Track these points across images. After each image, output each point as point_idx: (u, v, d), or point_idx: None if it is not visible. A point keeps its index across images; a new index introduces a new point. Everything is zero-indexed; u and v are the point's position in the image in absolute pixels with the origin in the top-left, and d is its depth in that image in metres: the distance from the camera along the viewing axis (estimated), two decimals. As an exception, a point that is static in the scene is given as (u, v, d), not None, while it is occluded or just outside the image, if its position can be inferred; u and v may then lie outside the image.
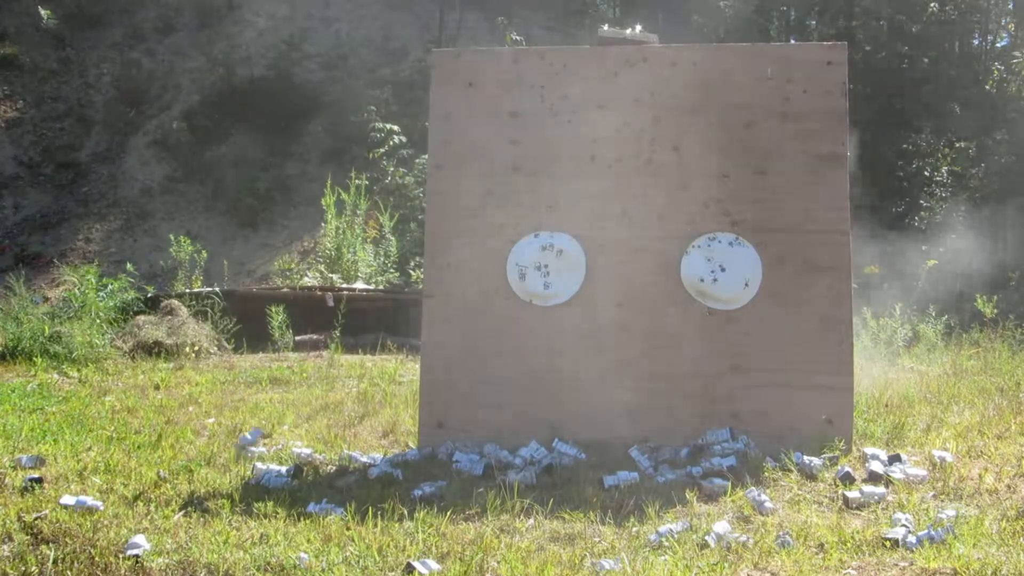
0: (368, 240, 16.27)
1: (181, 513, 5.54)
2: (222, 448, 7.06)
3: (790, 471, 6.08)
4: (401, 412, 7.99)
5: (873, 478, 5.98)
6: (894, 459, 6.23)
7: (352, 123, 20.25)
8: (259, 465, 6.46)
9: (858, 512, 5.52)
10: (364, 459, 6.72)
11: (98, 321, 11.94)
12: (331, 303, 13.45)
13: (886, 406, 7.90)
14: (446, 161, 7.14)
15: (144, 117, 21.27)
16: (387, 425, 7.75)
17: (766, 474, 6.06)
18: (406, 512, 5.48)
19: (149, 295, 13.63)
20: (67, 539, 5.01)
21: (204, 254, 15.61)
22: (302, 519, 5.44)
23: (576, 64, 7.13)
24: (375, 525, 5.29)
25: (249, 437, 7.18)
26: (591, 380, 6.85)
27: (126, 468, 6.43)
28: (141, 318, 12.60)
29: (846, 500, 5.64)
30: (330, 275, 15.46)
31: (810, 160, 6.86)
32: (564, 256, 6.93)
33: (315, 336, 12.82)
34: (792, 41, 18.00)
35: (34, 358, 10.80)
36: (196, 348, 11.93)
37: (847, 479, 5.94)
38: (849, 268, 6.84)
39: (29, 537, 5.08)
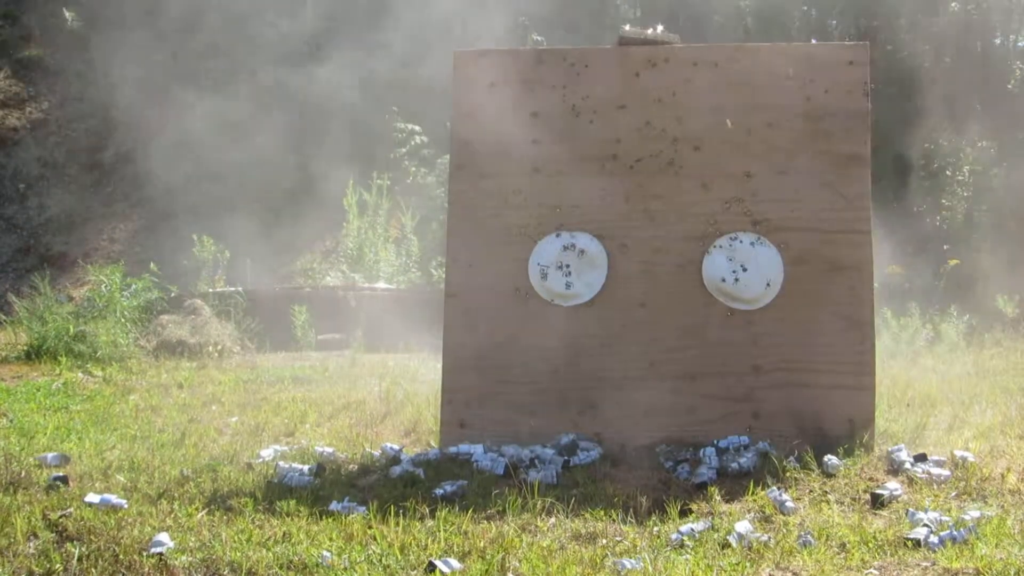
0: (390, 240, 16.30)
1: (204, 511, 5.57)
2: (245, 447, 7.10)
3: (812, 471, 6.08)
4: (423, 411, 8.01)
5: (895, 477, 5.98)
6: (919, 459, 6.22)
7: (374, 123, 20.27)
8: (282, 464, 6.49)
9: (880, 512, 5.52)
10: (392, 446, 6.80)
11: (122, 320, 12.01)
12: (353, 303, 13.49)
13: (908, 406, 7.88)
14: (468, 161, 7.16)
15: (167, 118, 21.35)
16: (409, 424, 7.78)
17: (788, 474, 6.06)
18: (428, 511, 5.50)
19: (172, 294, 13.69)
20: (92, 537, 5.05)
21: (227, 254, 15.66)
22: (324, 518, 5.46)
23: (598, 64, 7.14)
24: (397, 524, 5.31)
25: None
26: (613, 380, 6.86)
27: (150, 466, 6.48)
28: (164, 317, 12.66)
29: (868, 500, 5.64)
30: (352, 275, 15.49)
31: (832, 160, 6.86)
32: (586, 256, 6.94)
33: (337, 335, 12.87)
34: (813, 41, 17.94)
35: (59, 357, 10.87)
36: (219, 347, 11.99)
37: (869, 479, 5.94)
38: (871, 268, 6.84)
39: (54, 535, 5.12)
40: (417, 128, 19.34)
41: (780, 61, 6.99)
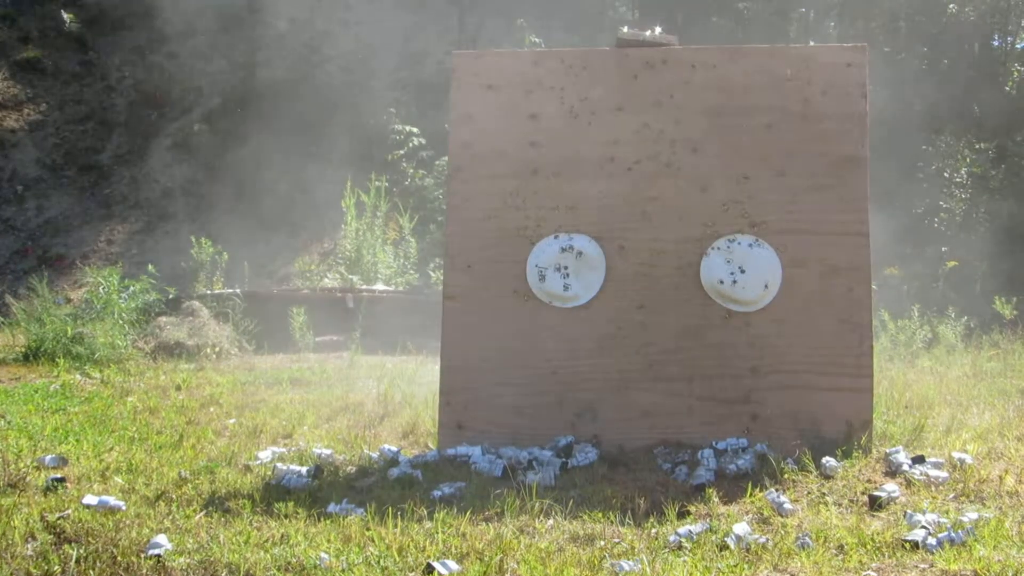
0: (388, 242, 16.31)
1: (202, 513, 5.57)
2: (243, 448, 7.09)
3: (810, 472, 6.08)
4: (421, 413, 8.01)
5: (893, 479, 5.98)
6: (917, 460, 6.22)
7: (372, 125, 20.30)
8: (280, 466, 6.49)
9: (878, 514, 5.51)
10: (390, 447, 6.79)
11: (120, 322, 12.01)
12: (351, 304, 13.49)
13: (906, 408, 7.88)
14: (466, 163, 7.16)
15: (165, 120, 21.37)
16: (407, 426, 7.77)
17: (786, 475, 6.06)
18: (426, 513, 5.49)
19: (170, 296, 13.71)
20: (89, 539, 5.05)
21: (225, 256, 15.67)
22: (322, 519, 5.46)
23: (596, 66, 7.14)
24: (395, 525, 5.30)
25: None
26: (611, 382, 6.86)
27: (148, 468, 6.47)
28: (163, 319, 12.67)
29: (866, 501, 5.64)
30: (350, 276, 15.50)
31: (830, 162, 6.85)
32: (584, 258, 6.93)
33: (335, 337, 12.87)
34: (811, 43, 17.96)
35: (57, 359, 10.87)
36: (217, 349, 11.99)
37: (867, 481, 5.94)
38: (869, 270, 6.83)
39: (52, 536, 5.11)
40: (415, 130, 19.36)
41: (778, 63, 6.99)
